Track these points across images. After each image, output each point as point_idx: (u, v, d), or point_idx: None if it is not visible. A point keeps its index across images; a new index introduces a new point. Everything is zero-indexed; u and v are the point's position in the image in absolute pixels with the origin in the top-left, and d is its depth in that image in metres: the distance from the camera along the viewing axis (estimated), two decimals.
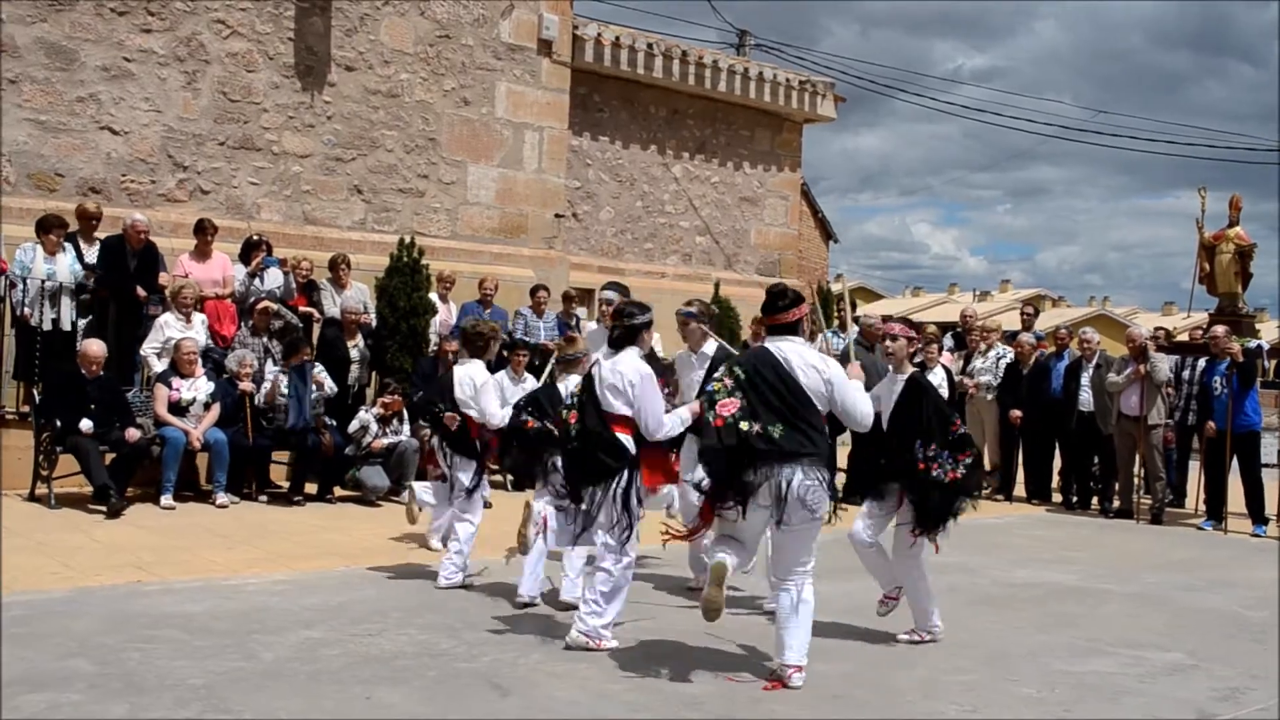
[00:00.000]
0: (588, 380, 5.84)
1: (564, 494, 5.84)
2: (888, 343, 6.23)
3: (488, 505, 9.76)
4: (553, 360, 7.73)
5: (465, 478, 7.11)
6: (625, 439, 5.65)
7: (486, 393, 7.05)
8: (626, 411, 5.64)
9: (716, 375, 5.36)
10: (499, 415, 6.93)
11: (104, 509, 8.69)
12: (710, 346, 6.91)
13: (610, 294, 7.00)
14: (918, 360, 6.31)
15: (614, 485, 5.57)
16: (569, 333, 7.15)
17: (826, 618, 6.32)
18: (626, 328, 5.80)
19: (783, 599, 5.17)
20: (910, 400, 5.91)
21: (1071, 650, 5.97)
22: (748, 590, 6.73)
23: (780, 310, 5.34)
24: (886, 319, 6.13)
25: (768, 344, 5.35)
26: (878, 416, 5.76)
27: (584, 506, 5.66)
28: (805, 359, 5.21)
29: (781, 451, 5.02)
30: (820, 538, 5.30)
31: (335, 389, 10.30)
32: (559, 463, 6.03)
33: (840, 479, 6.19)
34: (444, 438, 7.23)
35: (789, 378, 5.13)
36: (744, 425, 5.03)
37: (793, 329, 5.34)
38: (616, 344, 5.81)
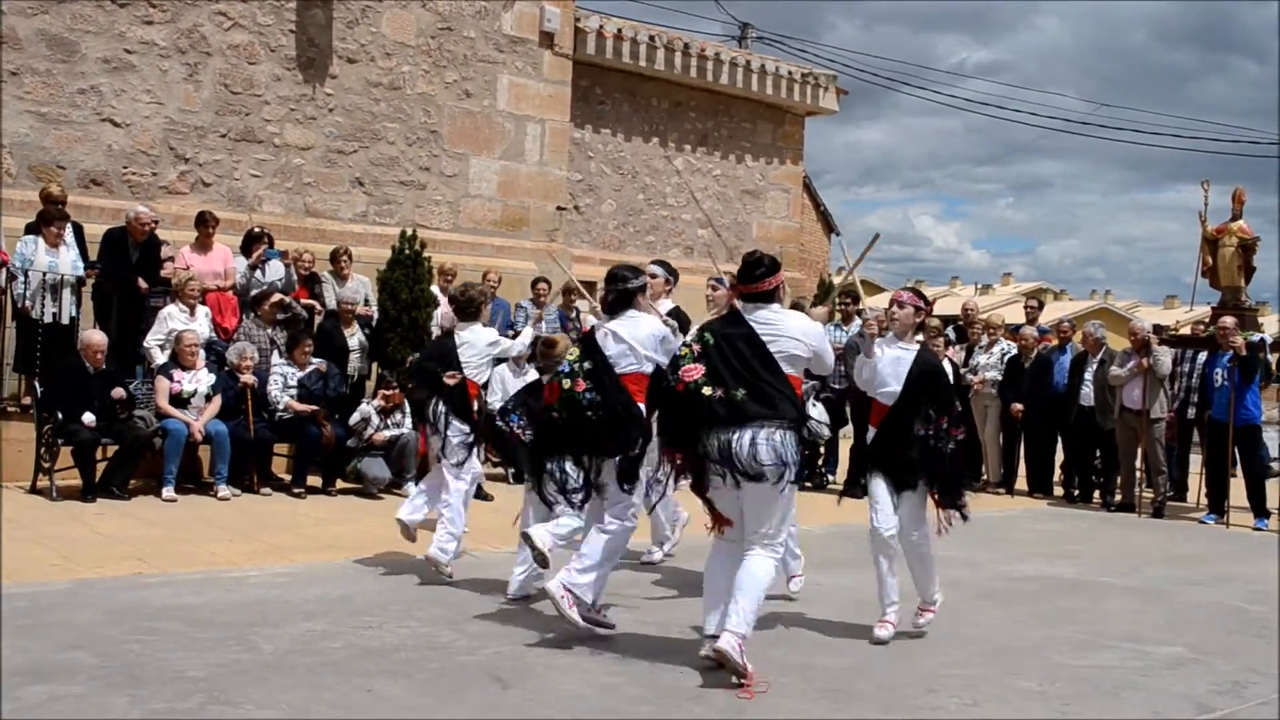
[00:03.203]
0: (591, 347, 5.70)
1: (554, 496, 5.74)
2: (893, 309, 6.03)
3: (489, 498, 9.80)
4: (533, 331, 7.73)
5: (458, 438, 6.96)
6: (640, 406, 5.61)
7: (500, 344, 7.27)
8: (642, 370, 5.59)
9: (685, 341, 5.28)
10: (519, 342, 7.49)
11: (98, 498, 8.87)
12: None
13: (657, 269, 7.00)
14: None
15: (629, 455, 5.53)
16: (548, 336, 7.09)
17: (826, 612, 6.33)
18: (621, 291, 5.77)
19: (741, 568, 5.08)
20: (926, 377, 5.83)
21: (1073, 644, 5.97)
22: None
23: (757, 279, 5.22)
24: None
25: (740, 308, 5.26)
26: (852, 383, 5.81)
27: (592, 476, 5.59)
28: (780, 325, 5.13)
29: (742, 415, 4.94)
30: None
31: (337, 393, 10.33)
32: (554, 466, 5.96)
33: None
34: (442, 399, 7.06)
35: (757, 343, 5.06)
36: (706, 390, 4.98)
37: (769, 297, 5.23)
38: (614, 308, 5.76)
